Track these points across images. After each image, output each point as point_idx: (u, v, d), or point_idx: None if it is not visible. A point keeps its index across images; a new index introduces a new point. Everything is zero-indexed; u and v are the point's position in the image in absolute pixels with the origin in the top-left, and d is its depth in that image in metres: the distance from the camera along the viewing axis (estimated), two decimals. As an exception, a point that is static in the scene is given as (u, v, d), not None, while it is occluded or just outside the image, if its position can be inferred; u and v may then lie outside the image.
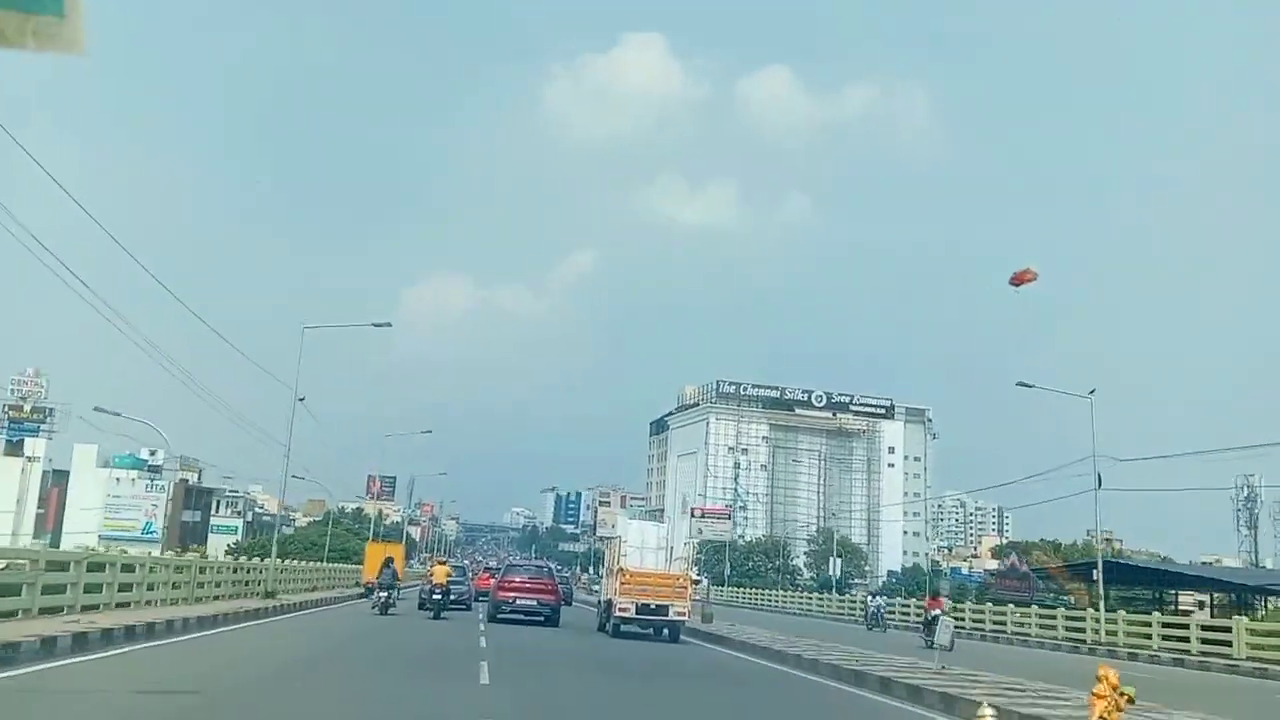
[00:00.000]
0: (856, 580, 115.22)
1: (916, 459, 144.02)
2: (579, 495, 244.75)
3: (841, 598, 70.75)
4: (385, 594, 27.90)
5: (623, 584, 23.53)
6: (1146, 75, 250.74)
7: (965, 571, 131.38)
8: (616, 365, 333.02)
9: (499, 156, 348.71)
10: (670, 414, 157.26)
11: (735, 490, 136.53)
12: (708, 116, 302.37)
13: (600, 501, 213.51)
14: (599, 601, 29.13)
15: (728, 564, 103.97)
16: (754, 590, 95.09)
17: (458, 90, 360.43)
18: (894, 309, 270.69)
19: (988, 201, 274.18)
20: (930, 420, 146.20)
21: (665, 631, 24.23)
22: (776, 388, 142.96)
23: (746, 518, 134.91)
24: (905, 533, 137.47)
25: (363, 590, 40.33)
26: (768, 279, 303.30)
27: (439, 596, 27.69)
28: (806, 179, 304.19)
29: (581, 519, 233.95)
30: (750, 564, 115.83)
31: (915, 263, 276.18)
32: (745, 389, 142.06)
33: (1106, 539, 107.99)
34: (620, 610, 23.51)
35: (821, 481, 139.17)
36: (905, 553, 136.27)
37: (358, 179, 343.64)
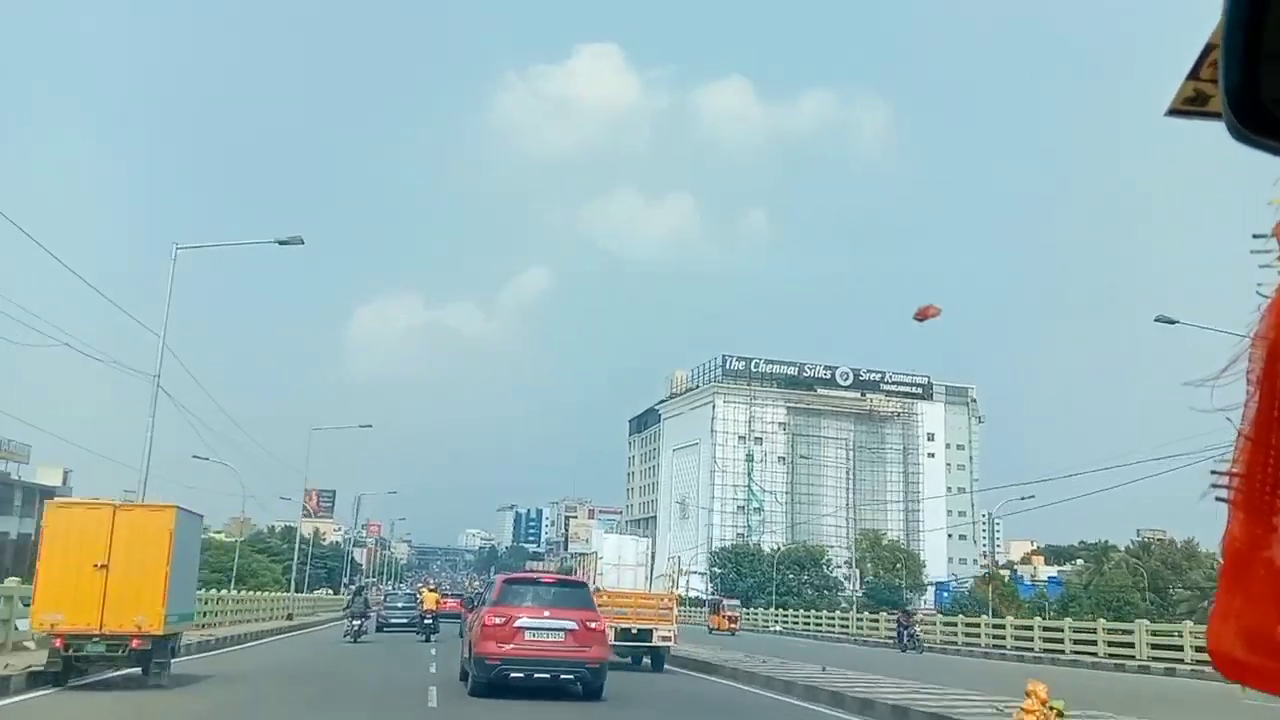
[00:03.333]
0: (912, 593, 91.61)
1: (960, 447, 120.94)
2: (539, 512, 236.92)
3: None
4: (358, 622, 28.83)
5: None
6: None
7: (1029, 581, 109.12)
8: (573, 382, 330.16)
9: (452, 171, 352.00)
10: (661, 403, 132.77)
11: (749, 488, 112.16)
12: (664, 128, 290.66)
13: (568, 515, 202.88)
14: None
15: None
16: (787, 611, 73.01)
17: (410, 102, 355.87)
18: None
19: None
20: (974, 401, 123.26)
21: (647, 660, 21.50)
22: (794, 364, 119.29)
23: (763, 521, 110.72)
24: (950, 535, 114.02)
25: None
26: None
27: (429, 621, 31.27)
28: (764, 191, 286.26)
29: (543, 537, 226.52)
30: (780, 578, 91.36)
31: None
32: (757, 365, 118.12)
33: (1159, 538, 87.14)
34: None
35: (851, 475, 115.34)
36: (950, 559, 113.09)
37: (307, 193, 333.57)
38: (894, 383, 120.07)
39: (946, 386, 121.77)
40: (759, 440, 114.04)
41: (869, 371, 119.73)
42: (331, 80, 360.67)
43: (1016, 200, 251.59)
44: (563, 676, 14.59)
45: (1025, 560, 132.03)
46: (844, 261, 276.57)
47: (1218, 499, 0.92)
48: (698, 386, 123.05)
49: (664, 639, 21.07)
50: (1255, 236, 0.91)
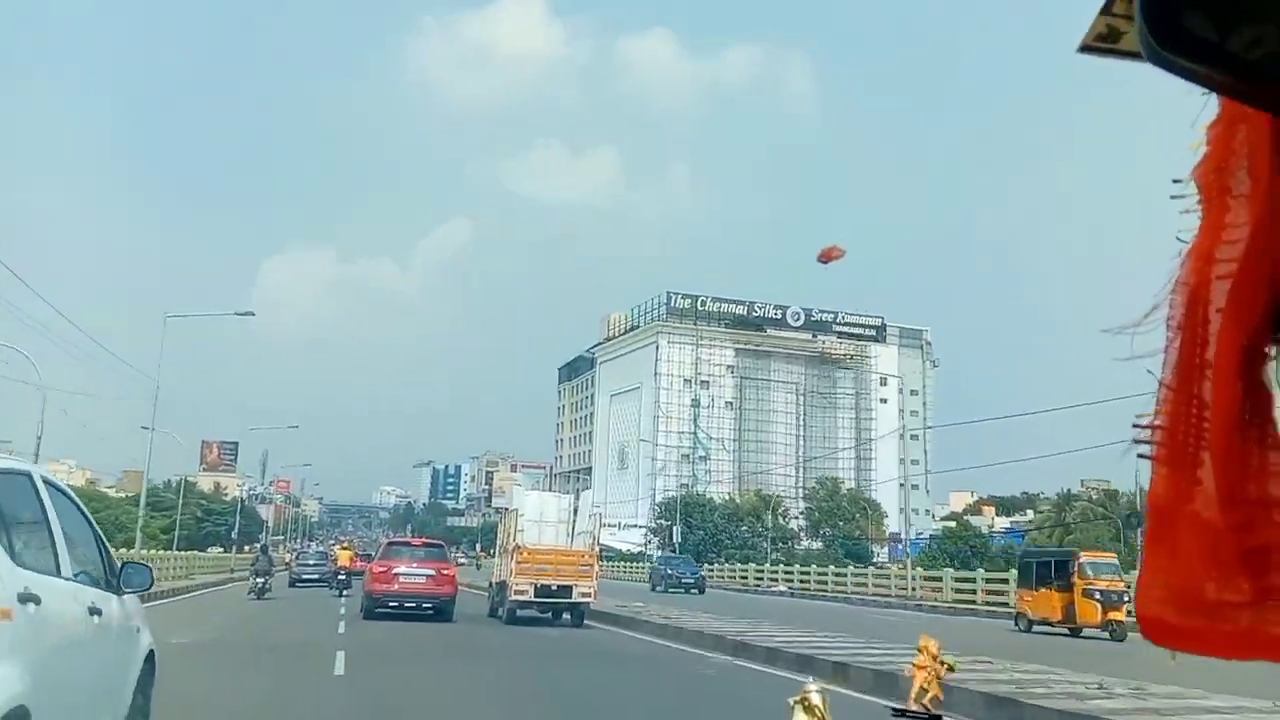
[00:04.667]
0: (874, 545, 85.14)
1: (914, 392, 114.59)
2: (458, 468, 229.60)
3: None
4: (261, 580, 29.12)
5: (519, 563, 21.08)
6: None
7: (986, 532, 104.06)
8: (495, 337, 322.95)
9: (365, 120, 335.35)
10: (597, 345, 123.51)
11: (694, 434, 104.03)
12: (588, 78, 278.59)
13: (489, 471, 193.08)
14: (490, 584, 25.49)
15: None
16: (738, 566, 65.71)
17: (321, 47, 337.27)
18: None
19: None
20: (929, 344, 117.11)
21: (567, 615, 21.90)
22: (743, 302, 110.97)
23: (709, 470, 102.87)
24: (902, 485, 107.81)
25: None
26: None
27: (343, 577, 31.59)
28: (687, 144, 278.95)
29: (463, 493, 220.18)
30: (731, 531, 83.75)
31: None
32: (703, 303, 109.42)
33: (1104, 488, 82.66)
34: (516, 592, 21.06)
35: (802, 422, 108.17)
36: (901, 510, 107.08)
37: (212, 141, 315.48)
38: (846, 323, 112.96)
39: (900, 328, 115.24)
40: (705, 384, 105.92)
41: (821, 311, 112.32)
42: (242, 21, 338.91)
43: (943, 145, 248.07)
44: (424, 606, 22.26)
45: (973, 511, 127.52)
46: (767, 210, 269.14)
47: (1139, 455, 0.88)
48: (638, 326, 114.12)
49: (584, 595, 21.34)
50: (1175, 181, 0.87)
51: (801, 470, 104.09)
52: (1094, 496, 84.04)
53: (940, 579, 41.58)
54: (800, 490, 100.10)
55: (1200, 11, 0.63)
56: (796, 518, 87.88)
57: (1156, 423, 0.86)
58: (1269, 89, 0.65)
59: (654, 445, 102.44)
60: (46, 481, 4.83)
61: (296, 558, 45.29)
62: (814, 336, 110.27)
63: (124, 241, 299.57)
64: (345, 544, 44.55)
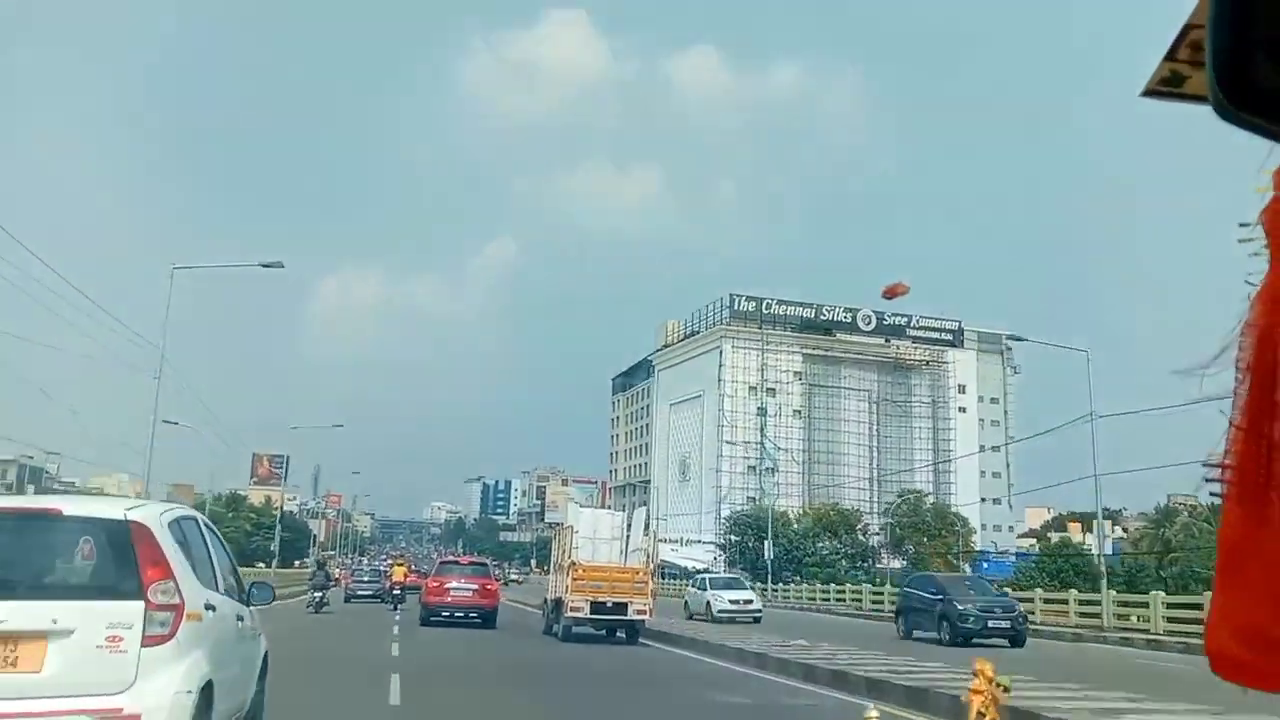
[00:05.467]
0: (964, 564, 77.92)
1: (994, 400, 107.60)
2: (509, 484, 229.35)
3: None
4: (319, 594, 30.02)
5: (574, 580, 21.06)
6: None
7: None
8: (543, 352, 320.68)
9: (416, 140, 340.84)
10: (655, 353, 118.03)
11: (761, 445, 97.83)
12: (633, 96, 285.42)
13: (540, 485, 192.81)
14: (545, 600, 25.96)
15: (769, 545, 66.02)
16: (820, 587, 58.74)
17: (371, 69, 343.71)
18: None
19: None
20: (1009, 349, 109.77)
21: (621, 633, 21.98)
22: (810, 305, 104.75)
23: (777, 484, 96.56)
24: (983, 500, 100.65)
25: None
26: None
27: (398, 592, 33.90)
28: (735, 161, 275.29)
29: (514, 507, 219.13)
30: (808, 549, 77.56)
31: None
32: (768, 306, 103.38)
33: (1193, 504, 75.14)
34: (572, 609, 21.09)
35: (874, 431, 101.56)
36: (984, 526, 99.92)
37: (267, 164, 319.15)
38: (921, 327, 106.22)
39: (979, 332, 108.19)
40: (771, 392, 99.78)
41: (894, 315, 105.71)
42: (289, 44, 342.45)
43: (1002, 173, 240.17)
44: (471, 615, 25.25)
45: (1055, 527, 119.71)
46: (815, 232, 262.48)
47: (1211, 493, 0.88)
48: (698, 332, 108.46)
49: (639, 613, 21.28)
50: (1241, 225, 0.86)
51: (876, 483, 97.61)
52: (1197, 511, 76.89)
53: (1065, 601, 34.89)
54: (875, 504, 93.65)
55: (1271, 64, 0.64)
56: (877, 534, 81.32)
57: (1227, 462, 0.85)
58: None
59: (719, 456, 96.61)
60: (204, 522, 7.04)
61: (352, 575, 47.56)
62: (887, 341, 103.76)
63: (178, 254, 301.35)
64: (400, 560, 45.11)
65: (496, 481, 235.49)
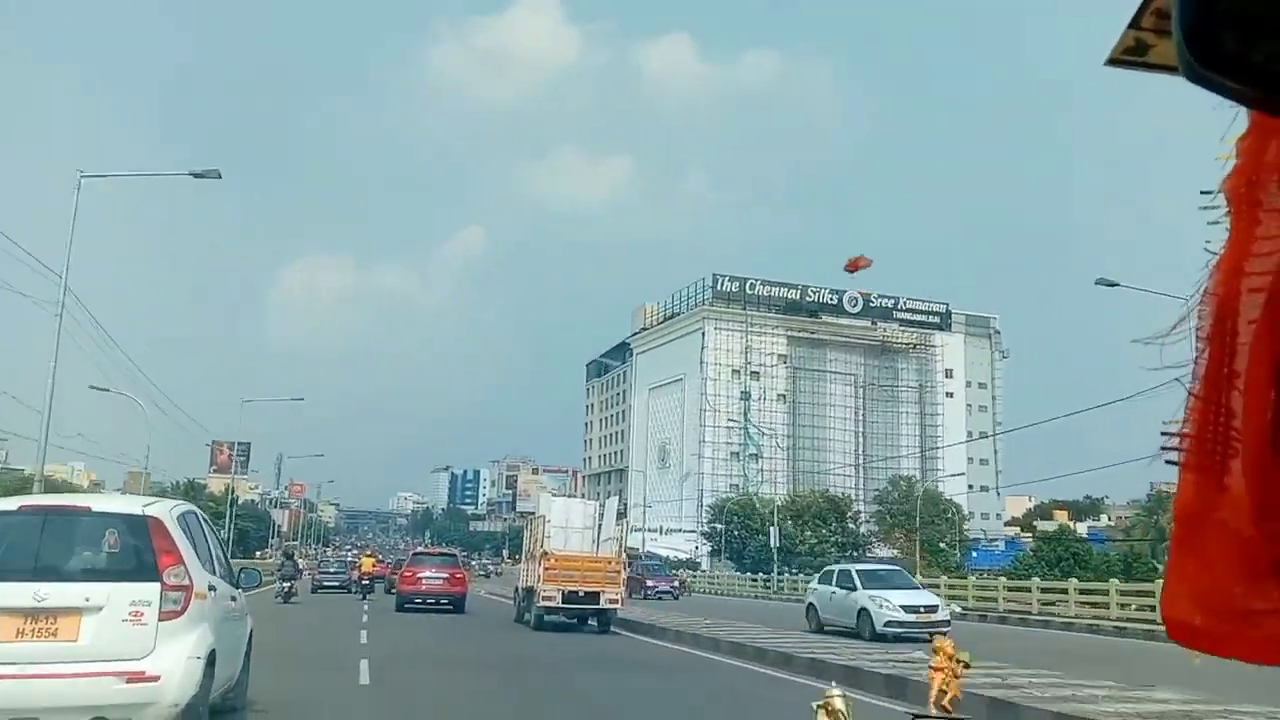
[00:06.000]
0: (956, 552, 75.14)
1: (981, 385, 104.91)
2: (477, 473, 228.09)
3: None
4: (288, 584, 30.52)
5: (547, 569, 21.29)
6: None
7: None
8: (512, 342, 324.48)
9: (382, 126, 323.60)
10: (633, 336, 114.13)
11: (745, 430, 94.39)
12: (605, 84, 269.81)
13: (509, 475, 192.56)
14: (516, 589, 26.08)
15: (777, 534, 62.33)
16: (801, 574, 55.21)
17: (339, 54, 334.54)
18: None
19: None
20: (997, 333, 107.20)
21: (593, 621, 21.97)
22: (795, 285, 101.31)
23: (761, 470, 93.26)
24: (971, 487, 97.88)
25: None
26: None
27: (366, 582, 35.29)
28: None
29: (483, 497, 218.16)
30: (796, 537, 74.23)
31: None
32: (752, 286, 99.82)
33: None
34: (545, 599, 21.32)
35: (860, 416, 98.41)
36: (972, 514, 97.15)
37: (231, 151, 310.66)
38: (909, 310, 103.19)
39: (966, 315, 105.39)
40: (755, 375, 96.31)
41: (881, 297, 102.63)
42: (255, 26, 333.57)
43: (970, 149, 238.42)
44: (441, 601, 27.06)
45: (1041, 515, 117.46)
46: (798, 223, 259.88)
47: (1168, 461, 0.89)
48: (678, 314, 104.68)
49: (611, 601, 21.47)
50: (1203, 193, 0.86)
51: (863, 469, 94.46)
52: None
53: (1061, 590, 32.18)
54: (862, 491, 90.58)
55: (1237, 30, 0.66)
56: (866, 521, 78.06)
57: (1184, 431, 0.87)
58: None
59: (700, 442, 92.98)
60: (202, 516, 8.16)
61: (319, 566, 48.32)
62: (873, 324, 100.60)
63: (133, 236, 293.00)
64: (369, 552, 47.16)
65: (465, 471, 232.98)
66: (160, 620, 6.21)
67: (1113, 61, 0.86)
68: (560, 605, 21.21)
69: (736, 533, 75.36)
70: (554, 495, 33.53)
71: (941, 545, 76.26)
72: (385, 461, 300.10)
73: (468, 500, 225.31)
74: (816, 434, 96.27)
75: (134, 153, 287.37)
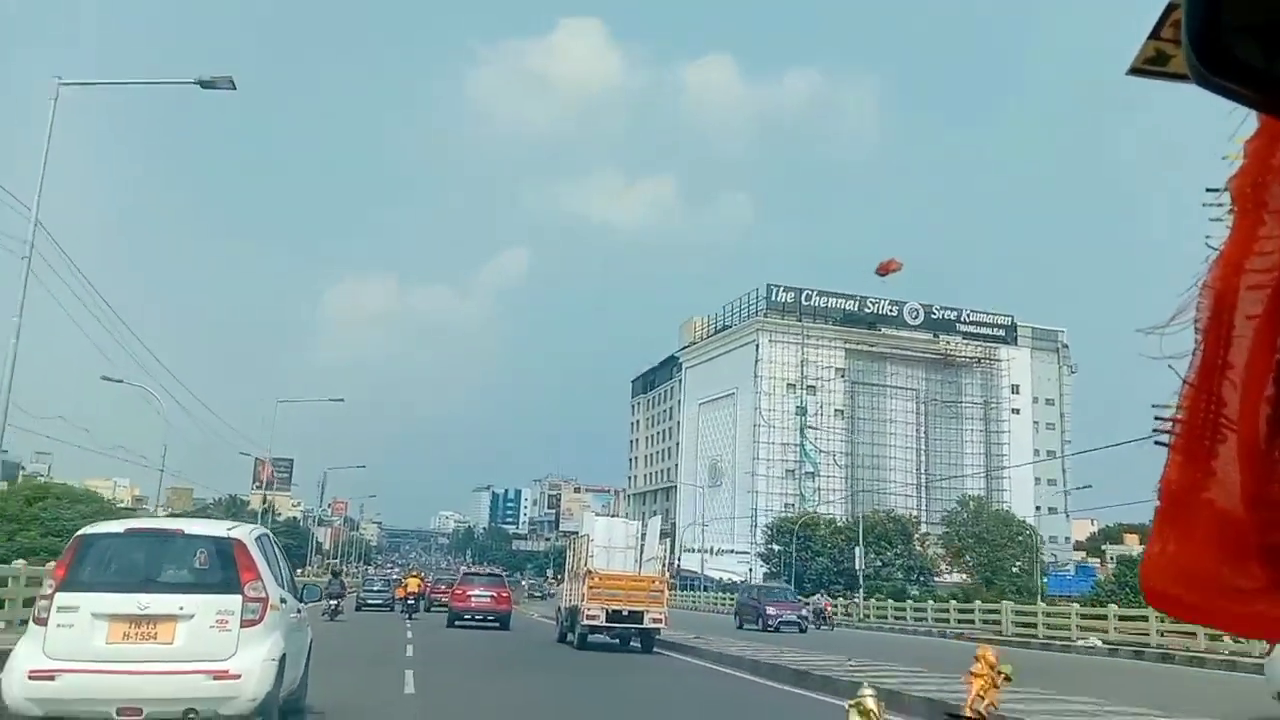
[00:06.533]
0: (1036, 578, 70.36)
1: (1049, 401, 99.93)
2: (518, 493, 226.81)
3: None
4: (334, 602, 30.37)
5: (591, 588, 21.32)
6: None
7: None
8: (554, 364, 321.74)
9: (426, 150, 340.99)
10: (683, 349, 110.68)
11: (801, 447, 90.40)
12: (646, 105, 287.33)
13: (551, 494, 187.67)
14: (559, 609, 26.82)
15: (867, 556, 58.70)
16: (894, 605, 49.76)
17: (381, 79, 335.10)
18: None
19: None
20: (1066, 346, 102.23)
21: (636, 642, 22.26)
22: (853, 296, 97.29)
23: (818, 489, 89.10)
24: (1039, 509, 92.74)
25: None
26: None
27: (412, 602, 34.69)
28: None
29: (524, 516, 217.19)
30: (867, 558, 69.82)
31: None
32: (809, 297, 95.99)
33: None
34: (589, 618, 21.34)
35: (922, 433, 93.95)
36: (1044, 539, 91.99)
37: (275, 173, 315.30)
38: (972, 322, 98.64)
39: (1033, 329, 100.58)
40: (812, 389, 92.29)
41: (943, 308, 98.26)
42: (300, 50, 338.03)
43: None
44: (489, 618, 28.96)
45: (1109, 539, 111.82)
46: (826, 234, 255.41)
47: (1157, 443, 0.91)
48: (730, 326, 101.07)
49: (655, 621, 21.62)
50: (1208, 190, 0.89)
51: (924, 488, 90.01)
52: None
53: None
54: (924, 511, 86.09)
55: (1246, 37, 0.67)
56: (934, 543, 73.65)
57: (1178, 415, 0.89)
58: None
59: (754, 459, 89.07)
60: (273, 538, 9.14)
61: (363, 584, 49.73)
62: (935, 337, 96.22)
63: (184, 270, 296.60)
64: (415, 572, 48.83)
65: (506, 490, 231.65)
66: (241, 628, 7.24)
67: (1134, 71, 0.88)
68: (604, 624, 21.34)
69: (795, 554, 71.35)
70: (597, 515, 34.08)
71: (1014, 569, 71.68)
72: (427, 481, 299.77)
73: (509, 520, 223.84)
74: (876, 451, 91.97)
75: (180, 176, 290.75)
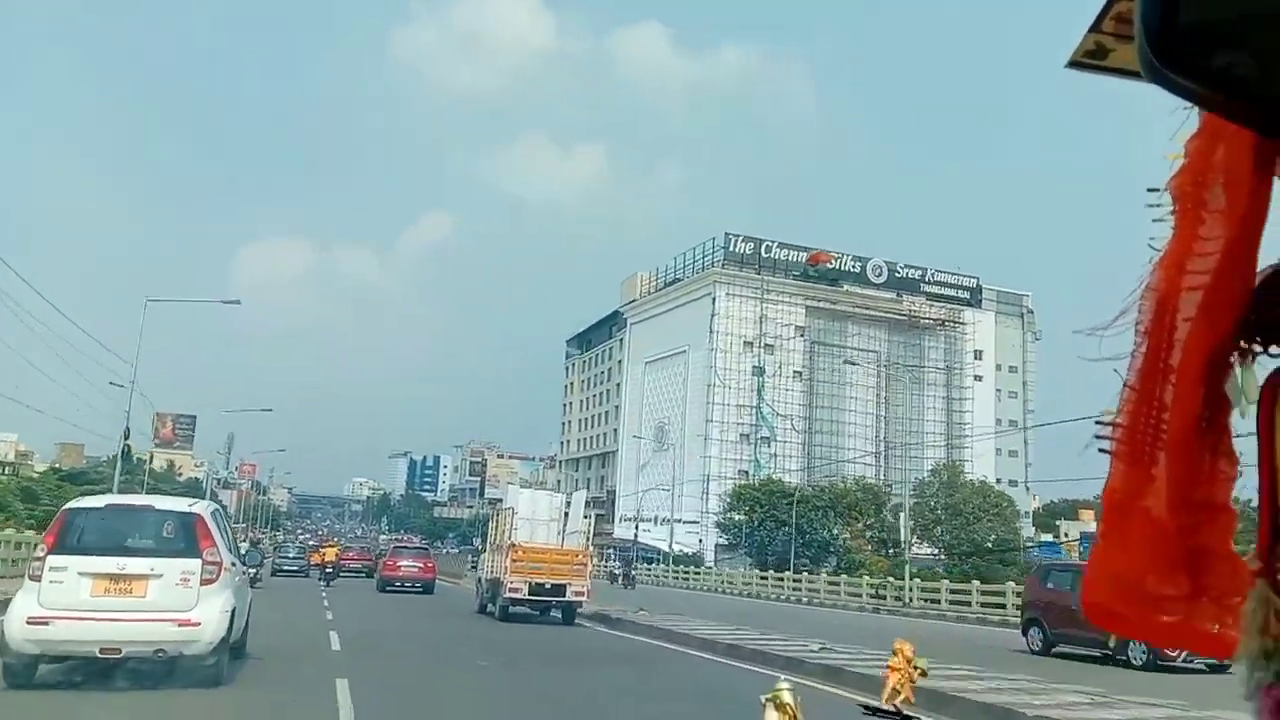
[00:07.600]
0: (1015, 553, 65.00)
1: (1013, 369, 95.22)
2: (436, 459, 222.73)
3: None
4: (253, 570, 28.18)
5: (514, 560, 21.53)
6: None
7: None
8: (477, 329, 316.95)
9: (350, 108, 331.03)
10: (629, 304, 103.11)
11: (757, 409, 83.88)
12: (578, 71, 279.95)
13: (473, 461, 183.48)
14: (479, 580, 26.42)
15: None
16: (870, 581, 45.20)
17: (305, 33, 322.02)
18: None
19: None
20: (1031, 312, 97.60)
21: (556, 613, 22.42)
22: (816, 250, 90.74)
23: (773, 455, 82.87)
24: (1000, 480, 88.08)
25: None
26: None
27: (330, 570, 37.10)
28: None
29: (443, 484, 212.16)
30: (824, 529, 63.97)
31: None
32: (769, 248, 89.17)
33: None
34: (511, 590, 21.57)
35: (882, 398, 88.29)
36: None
37: (191, 129, 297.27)
38: (937, 282, 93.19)
39: (999, 292, 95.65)
40: (770, 348, 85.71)
41: (907, 267, 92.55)
42: (223, 11, 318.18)
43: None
44: (415, 585, 32.56)
45: (1063, 514, 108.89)
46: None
47: (1100, 450, 0.89)
48: (680, 279, 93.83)
49: (577, 594, 21.78)
50: (1150, 190, 0.88)
51: (883, 457, 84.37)
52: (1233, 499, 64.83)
53: None
54: (883, 480, 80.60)
55: (1197, 32, 0.66)
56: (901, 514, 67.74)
57: (1118, 420, 0.88)
58: (1257, 107, 0.68)
59: (708, 422, 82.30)
60: (224, 511, 12.54)
61: (278, 550, 51.13)
62: (899, 296, 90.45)
63: (92, 220, 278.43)
64: (332, 542, 51.40)
65: (424, 457, 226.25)
66: (201, 585, 9.29)
67: (1073, 64, 0.88)
68: (526, 597, 21.45)
69: (758, 524, 64.75)
70: (521, 487, 34.79)
71: (988, 544, 66.36)
72: (341, 446, 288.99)
73: (428, 487, 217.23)
74: (835, 415, 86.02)
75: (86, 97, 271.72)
